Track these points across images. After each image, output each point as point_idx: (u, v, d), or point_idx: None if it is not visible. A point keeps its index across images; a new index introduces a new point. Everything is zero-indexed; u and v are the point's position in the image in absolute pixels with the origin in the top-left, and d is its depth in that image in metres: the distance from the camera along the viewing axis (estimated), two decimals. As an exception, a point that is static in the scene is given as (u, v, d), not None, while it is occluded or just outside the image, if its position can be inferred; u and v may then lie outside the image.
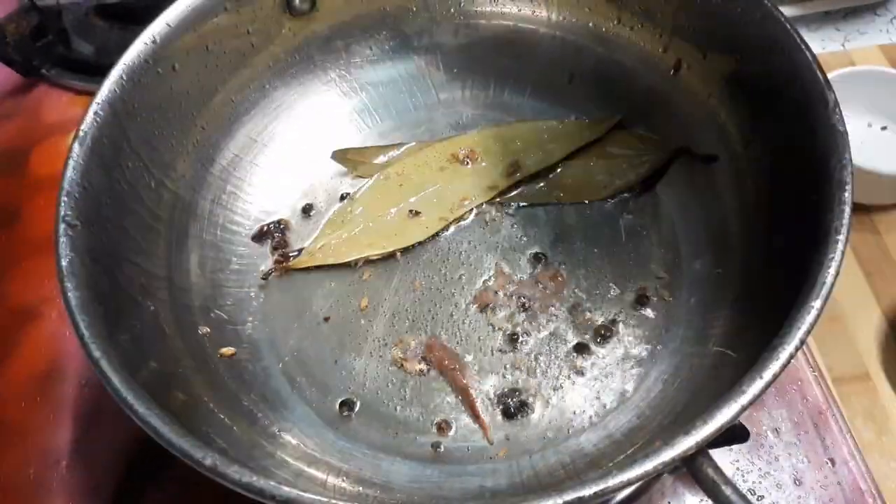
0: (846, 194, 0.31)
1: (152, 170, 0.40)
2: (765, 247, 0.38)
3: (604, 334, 0.40)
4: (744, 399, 0.27)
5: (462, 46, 0.50)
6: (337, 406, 0.39)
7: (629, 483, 0.25)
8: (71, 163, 0.35)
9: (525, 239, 0.44)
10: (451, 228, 0.45)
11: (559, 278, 0.43)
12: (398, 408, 0.39)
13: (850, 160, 0.32)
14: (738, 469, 0.40)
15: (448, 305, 0.42)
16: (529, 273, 0.43)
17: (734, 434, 0.39)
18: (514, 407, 0.38)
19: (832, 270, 0.29)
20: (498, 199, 0.46)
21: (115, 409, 0.28)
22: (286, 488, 0.26)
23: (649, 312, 0.41)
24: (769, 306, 0.34)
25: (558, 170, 0.46)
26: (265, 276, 0.44)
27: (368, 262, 0.44)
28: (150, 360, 0.34)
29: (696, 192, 0.44)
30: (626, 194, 0.45)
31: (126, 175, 0.39)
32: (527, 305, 0.42)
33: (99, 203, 0.36)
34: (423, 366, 0.40)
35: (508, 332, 0.41)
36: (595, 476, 0.26)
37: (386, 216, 0.45)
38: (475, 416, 0.38)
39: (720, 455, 0.40)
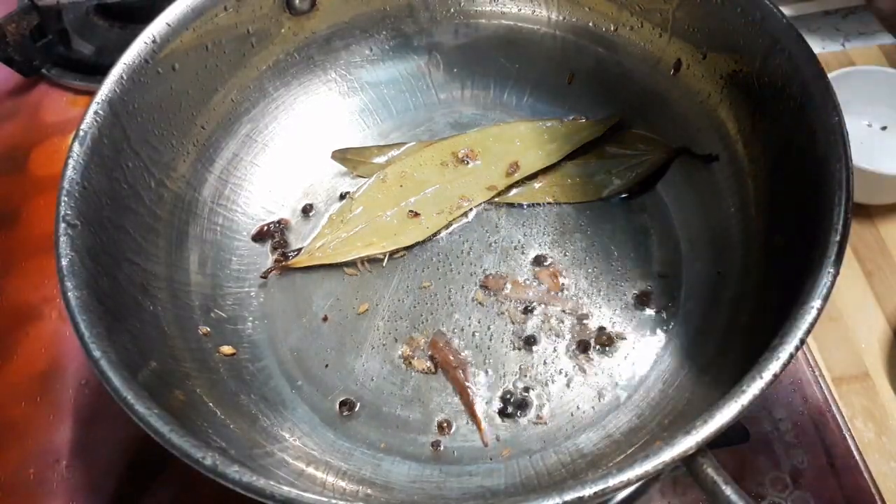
0: (846, 194, 0.31)
1: (152, 169, 0.40)
2: (765, 247, 0.38)
3: (604, 334, 0.40)
4: (744, 399, 0.27)
5: (462, 46, 0.50)
6: (337, 406, 0.39)
7: (629, 483, 0.25)
8: (71, 162, 0.35)
9: (525, 239, 0.44)
10: (451, 228, 0.45)
11: (559, 278, 0.43)
12: (398, 407, 0.39)
13: (851, 160, 0.32)
14: (737, 469, 0.40)
15: (448, 305, 0.42)
16: (530, 273, 0.43)
17: (734, 434, 0.39)
18: (514, 407, 0.38)
19: (832, 270, 0.29)
20: (498, 199, 0.46)
21: (116, 409, 0.28)
22: (286, 488, 0.26)
23: (649, 312, 0.41)
24: (769, 306, 0.34)
25: (558, 170, 0.46)
26: (264, 275, 0.44)
27: (368, 261, 0.44)
28: (150, 360, 0.34)
29: (696, 191, 0.44)
30: (625, 194, 0.45)
31: (126, 175, 0.39)
32: (527, 306, 0.42)
33: (99, 203, 0.36)
34: (429, 364, 0.40)
35: (509, 332, 0.41)
36: (595, 476, 0.26)
37: (385, 216, 0.45)
38: (472, 416, 0.38)
39: (720, 455, 0.40)
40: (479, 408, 0.39)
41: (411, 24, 0.49)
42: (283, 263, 0.44)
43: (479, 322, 0.41)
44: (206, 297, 0.41)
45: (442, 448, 0.38)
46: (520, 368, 0.40)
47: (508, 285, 0.43)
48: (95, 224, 0.35)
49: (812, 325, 0.28)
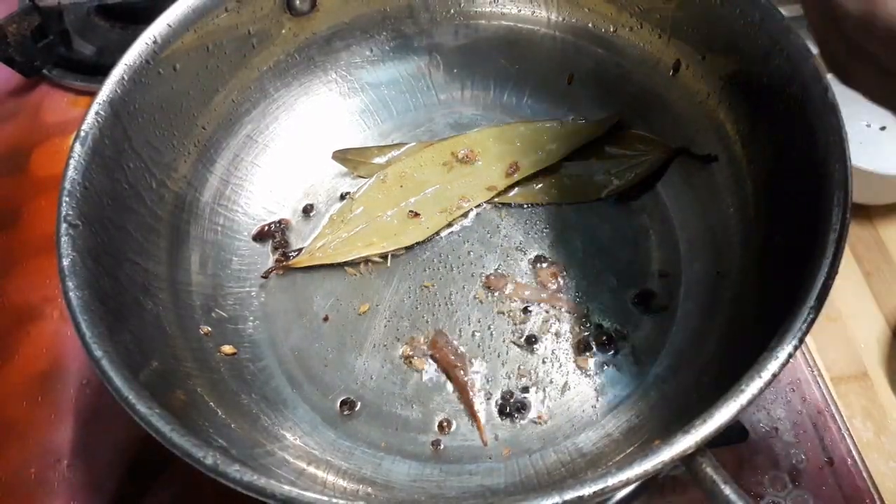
0: (846, 194, 0.31)
1: (153, 170, 0.40)
2: (764, 247, 0.38)
3: (603, 334, 0.40)
4: (743, 398, 0.27)
5: (462, 47, 0.50)
6: (337, 405, 0.40)
7: (629, 482, 0.26)
8: (72, 163, 0.35)
9: (525, 239, 0.44)
10: (452, 228, 0.45)
11: (559, 278, 0.43)
12: (399, 406, 0.39)
13: (850, 160, 0.32)
14: (736, 468, 0.40)
15: (448, 305, 0.42)
16: (530, 273, 0.43)
17: (733, 433, 0.40)
18: (514, 406, 0.38)
19: (831, 270, 0.29)
20: (498, 199, 0.46)
21: (117, 409, 0.29)
22: (287, 487, 0.26)
23: (649, 312, 0.41)
24: (768, 306, 0.34)
25: (558, 170, 0.46)
26: (265, 275, 0.44)
27: (368, 261, 0.44)
28: (151, 360, 0.34)
29: (695, 192, 0.44)
30: (626, 194, 0.45)
31: (127, 175, 0.39)
32: (527, 305, 0.42)
33: (100, 203, 0.36)
34: (430, 364, 0.40)
35: (509, 332, 0.41)
36: (594, 475, 0.26)
37: (386, 216, 0.45)
38: (472, 416, 0.38)
39: (719, 454, 0.40)
40: (479, 407, 0.39)
41: (411, 24, 0.49)
42: (284, 263, 0.44)
43: (479, 322, 0.42)
44: (207, 297, 0.42)
45: (442, 447, 0.38)
46: (520, 368, 0.40)
47: (509, 285, 0.43)
48: (96, 224, 0.36)
49: (810, 324, 0.28)
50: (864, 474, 0.39)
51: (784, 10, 0.37)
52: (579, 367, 0.40)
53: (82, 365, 0.46)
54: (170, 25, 0.40)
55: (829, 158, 0.32)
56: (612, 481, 0.25)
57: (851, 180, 0.32)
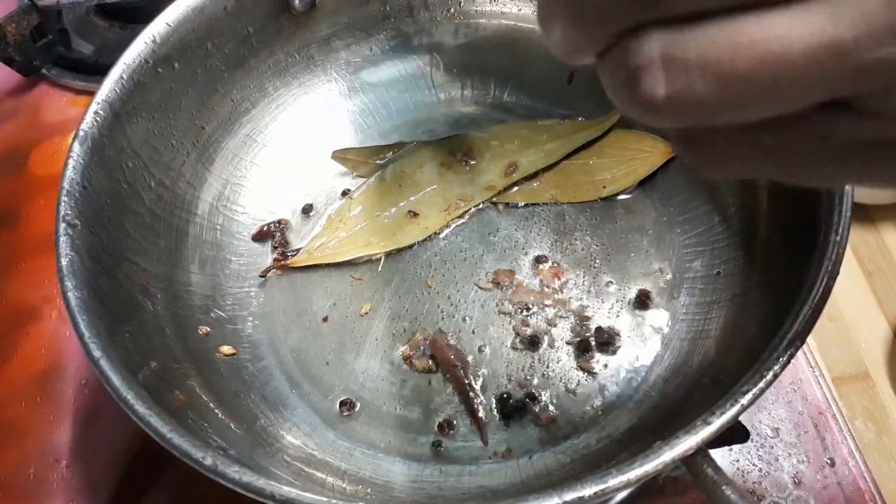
0: (846, 194, 0.31)
1: (152, 169, 0.40)
2: (765, 246, 0.38)
3: (604, 334, 0.40)
4: (744, 399, 0.27)
5: (462, 46, 0.50)
6: (337, 406, 0.39)
7: (629, 483, 0.25)
8: (71, 162, 0.35)
9: (524, 239, 0.44)
10: (450, 228, 0.45)
11: (559, 278, 0.43)
12: (399, 407, 0.39)
13: (851, 160, 0.32)
14: (737, 469, 0.40)
15: (448, 305, 0.42)
16: (530, 273, 0.43)
17: (734, 434, 0.39)
18: (514, 407, 0.38)
19: (832, 270, 0.29)
20: (497, 199, 0.46)
21: (116, 409, 0.28)
22: (286, 488, 0.26)
23: (649, 312, 0.41)
24: (769, 306, 0.34)
25: (558, 170, 0.46)
26: (263, 274, 0.44)
27: (367, 261, 0.44)
28: (150, 360, 0.34)
29: (696, 191, 0.44)
30: (626, 194, 0.45)
31: (126, 175, 0.39)
32: (527, 305, 0.42)
33: (99, 203, 0.36)
34: (430, 364, 0.40)
35: (509, 332, 0.41)
36: (595, 476, 0.26)
37: (384, 216, 0.45)
38: (473, 416, 0.38)
39: (720, 455, 0.40)
40: (480, 408, 0.39)
41: (411, 24, 0.49)
42: (282, 263, 0.44)
43: (479, 322, 0.41)
44: (207, 297, 0.41)
45: (442, 448, 0.38)
46: (520, 368, 0.40)
47: (509, 285, 0.42)
48: (95, 224, 0.35)
49: (812, 324, 0.28)
50: (866, 475, 0.39)
51: None
52: (580, 368, 0.40)
53: (81, 365, 0.46)
54: (169, 25, 0.40)
55: (831, 158, 0.32)
56: (612, 482, 0.25)
57: (853, 180, 0.31)
